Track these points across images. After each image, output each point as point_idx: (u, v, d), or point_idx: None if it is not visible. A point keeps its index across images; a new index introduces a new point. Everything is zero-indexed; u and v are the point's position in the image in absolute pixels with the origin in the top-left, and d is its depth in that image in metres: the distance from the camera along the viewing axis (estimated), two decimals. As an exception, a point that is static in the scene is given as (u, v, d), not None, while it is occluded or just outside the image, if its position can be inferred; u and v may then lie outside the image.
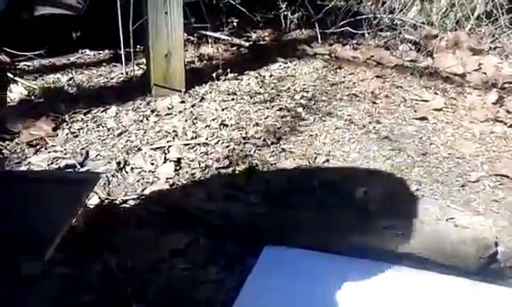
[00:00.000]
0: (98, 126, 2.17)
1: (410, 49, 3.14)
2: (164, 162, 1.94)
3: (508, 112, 2.44)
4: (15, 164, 1.88)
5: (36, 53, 2.65)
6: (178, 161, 1.95)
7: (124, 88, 2.52)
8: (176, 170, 1.90)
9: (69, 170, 1.87)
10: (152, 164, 1.93)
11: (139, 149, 2.02)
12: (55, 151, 1.98)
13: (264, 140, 2.12)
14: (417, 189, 1.86)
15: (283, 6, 3.32)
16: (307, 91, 2.59)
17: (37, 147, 1.99)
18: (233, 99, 2.45)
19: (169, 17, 2.33)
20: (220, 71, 2.65)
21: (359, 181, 1.82)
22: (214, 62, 2.82)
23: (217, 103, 2.40)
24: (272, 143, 2.11)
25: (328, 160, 2.02)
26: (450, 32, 3.24)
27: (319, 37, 3.25)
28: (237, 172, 1.90)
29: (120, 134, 2.12)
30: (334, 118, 2.34)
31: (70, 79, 2.57)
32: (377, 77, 2.77)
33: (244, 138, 2.13)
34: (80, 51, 2.90)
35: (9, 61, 2.54)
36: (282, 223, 1.59)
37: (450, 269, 1.44)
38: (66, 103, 2.29)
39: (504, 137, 2.25)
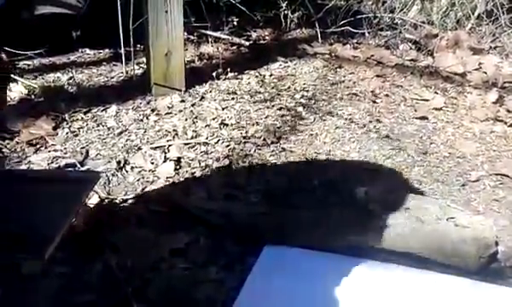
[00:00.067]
0: (98, 125, 2.17)
1: (411, 49, 3.14)
2: (164, 161, 1.94)
3: (508, 111, 2.44)
4: (15, 163, 1.88)
5: (36, 52, 2.65)
6: (178, 160, 1.95)
7: (124, 87, 2.52)
8: (176, 169, 1.90)
9: (69, 169, 1.87)
10: (152, 163, 1.93)
11: (139, 148, 2.02)
12: (55, 150, 1.98)
13: (265, 139, 2.12)
14: (417, 188, 1.86)
15: (283, 5, 3.31)
16: (307, 90, 2.59)
17: (38, 146, 1.99)
18: (233, 98, 2.45)
19: (169, 16, 2.33)
20: (220, 70, 2.65)
21: (359, 180, 1.82)
22: (214, 61, 2.82)
23: (217, 102, 2.40)
24: (272, 143, 2.11)
25: (328, 160, 2.02)
26: (451, 32, 3.23)
27: (319, 36, 3.25)
28: (237, 171, 1.90)
29: (120, 133, 2.12)
30: (335, 117, 2.34)
31: (70, 78, 2.56)
32: (377, 76, 2.76)
33: (244, 137, 2.13)
34: (80, 50, 2.89)
35: (9, 60, 2.54)
36: (282, 223, 1.59)
37: (451, 269, 1.44)
38: (66, 102, 2.29)
39: (504, 137, 2.25)
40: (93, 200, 1.67)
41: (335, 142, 2.15)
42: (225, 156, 1.99)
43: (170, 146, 2.04)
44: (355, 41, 3.25)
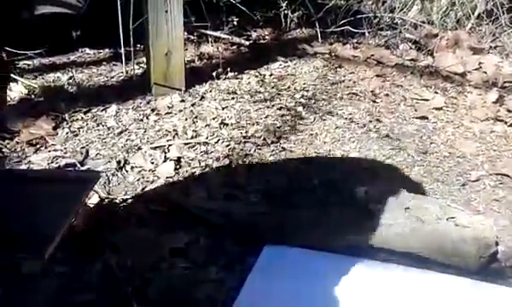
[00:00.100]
0: (98, 125, 2.17)
1: (411, 48, 3.14)
2: (164, 161, 1.94)
3: (508, 111, 2.44)
4: (15, 163, 1.88)
5: (36, 52, 2.65)
6: (178, 160, 1.95)
7: (124, 87, 2.52)
8: (176, 169, 1.90)
9: (69, 169, 1.87)
10: (152, 163, 1.93)
11: (139, 148, 2.02)
12: (55, 150, 1.98)
13: (265, 139, 2.12)
14: (417, 188, 1.86)
15: (283, 5, 3.31)
16: (307, 90, 2.59)
17: (38, 146, 1.99)
18: (233, 98, 2.45)
19: (169, 16, 2.33)
20: (220, 70, 2.65)
21: (359, 180, 1.82)
22: (214, 61, 2.82)
23: (217, 102, 2.40)
24: (272, 142, 2.11)
25: (328, 159, 2.02)
26: (451, 31, 3.23)
27: (319, 36, 3.25)
28: (237, 171, 1.90)
29: (120, 133, 2.12)
30: (335, 117, 2.34)
31: (70, 78, 2.56)
32: (377, 76, 2.76)
33: (244, 137, 2.13)
34: (80, 50, 2.89)
35: (9, 60, 2.54)
36: (282, 223, 1.59)
37: (451, 269, 1.44)
38: (66, 102, 2.29)
39: (505, 136, 2.25)
40: (93, 200, 1.67)
41: (335, 142, 2.15)
42: (225, 156, 1.99)
43: (170, 146, 2.04)
44: (355, 41, 3.24)
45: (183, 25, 2.39)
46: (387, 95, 2.58)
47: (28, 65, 2.67)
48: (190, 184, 1.82)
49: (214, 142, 2.08)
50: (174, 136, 2.11)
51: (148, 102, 2.37)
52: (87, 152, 1.98)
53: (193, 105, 2.36)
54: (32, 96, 2.36)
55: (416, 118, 2.37)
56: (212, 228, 1.59)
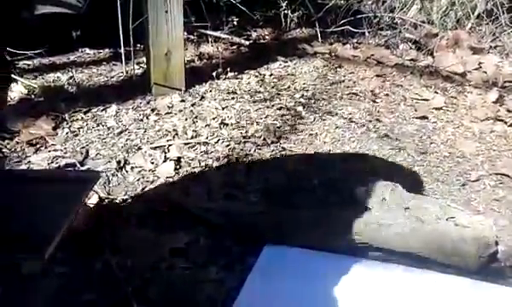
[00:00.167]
0: (98, 125, 2.17)
1: (411, 48, 3.14)
2: (164, 161, 1.94)
3: (508, 111, 2.44)
4: (15, 163, 1.88)
5: (36, 52, 2.65)
6: (178, 160, 1.95)
7: (124, 87, 2.52)
8: (176, 169, 1.90)
9: (69, 169, 1.87)
10: (152, 163, 1.93)
11: (139, 148, 2.02)
12: (54, 150, 1.98)
13: (265, 139, 2.12)
14: (417, 188, 1.86)
15: (283, 5, 3.32)
16: (307, 90, 2.59)
17: (37, 146, 1.99)
18: (233, 98, 2.45)
19: (169, 16, 2.33)
20: (220, 70, 2.65)
21: (359, 180, 1.82)
22: (214, 61, 2.82)
23: (217, 102, 2.40)
24: (272, 142, 2.11)
25: (328, 159, 2.02)
26: (451, 31, 3.23)
27: (319, 35, 3.25)
28: (237, 171, 1.90)
29: (120, 133, 2.12)
30: (335, 117, 2.34)
31: (70, 78, 2.57)
32: (377, 76, 2.76)
33: (244, 137, 2.13)
34: (80, 50, 2.89)
35: (10, 60, 2.54)
36: (282, 222, 1.59)
37: (451, 269, 1.44)
38: (66, 102, 2.29)
39: (505, 136, 2.25)
40: (93, 200, 1.67)
41: (335, 142, 2.15)
42: (225, 156, 1.99)
43: (170, 146, 2.04)
44: (355, 40, 3.25)
45: (182, 25, 2.39)
46: (387, 94, 2.58)
47: (28, 65, 2.67)
48: (190, 184, 1.82)
49: (214, 142, 2.08)
50: (174, 136, 2.11)
51: (148, 102, 2.37)
52: (87, 152, 1.98)
53: (193, 105, 2.36)
54: (32, 96, 2.36)
55: (416, 118, 2.37)
56: (212, 228, 1.59)
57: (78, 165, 1.89)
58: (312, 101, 2.48)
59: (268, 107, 2.38)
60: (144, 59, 2.62)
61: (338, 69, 2.86)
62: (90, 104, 2.30)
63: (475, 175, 1.96)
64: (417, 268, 1.46)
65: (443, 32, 3.21)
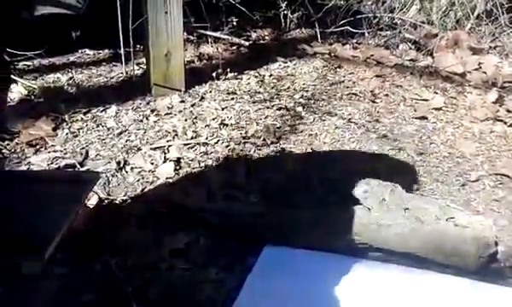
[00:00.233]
0: (98, 126, 2.17)
1: (410, 49, 3.14)
2: (164, 162, 1.94)
3: (508, 111, 2.45)
4: (15, 164, 1.88)
5: (36, 52, 2.65)
6: (178, 161, 1.95)
7: (123, 87, 2.52)
8: (176, 169, 1.90)
9: (69, 169, 1.87)
10: (152, 163, 1.93)
11: (139, 149, 2.02)
12: (54, 151, 1.98)
13: (264, 139, 2.12)
14: (417, 189, 1.86)
15: (283, 5, 3.32)
16: (307, 91, 2.59)
17: (37, 146, 1.99)
18: (233, 98, 2.45)
19: (169, 16, 2.33)
20: (220, 70, 2.65)
21: (359, 180, 1.82)
22: (214, 62, 2.82)
23: (216, 103, 2.40)
24: (272, 143, 2.11)
25: (327, 160, 2.02)
26: (450, 31, 3.24)
27: (319, 36, 3.25)
28: (237, 172, 1.90)
29: (120, 133, 2.12)
30: (334, 117, 2.34)
31: (70, 79, 2.57)
32: (377, 76, 2.77)
33: (244, 138, 2.13)
34: (80, 51, 2.90)
35: (9, 61, 2.54)
36: (281, 223, 1.59)
37: (450, 269, 1.44)
38: (65, 103, 2.29)
39: (504, 136, 2.25)
40: (93, 201, 1.67)
41: (335, 142, 2.15)
42: (225, 156, 1.99)
43: (170, 146, 2.04)
44: (355, 41, 3.25)
45: (182, 25, 2.39)
46: (387, 95, 2.58)
47: (28, 66, 2.67)
48: (190, 185, 1.82)
49: (214, 143, 2.08)
50: (174, 137, 2.11)
51: (147, 103, 2.37)
52: (87, 153, 1.98)
53: (193, 105, 2.36)
54: (32, 97, 2.36)
55: (416, 118, 2.37)
56: (212, 229, 1.59)
57: (78, 166, 1.89)
58: (312, 101, 2.48)
59: (268, 108, 2.38)
60: (144, 59, 2.62)
61: (337, 69, 2.86)
62: (89, 105, 2.30)
63: (475, 175, 1.96)
64: (417, 268, 1.46)
65: (442, 33, 3.21)
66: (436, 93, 2.62)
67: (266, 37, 3.33)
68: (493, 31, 3.23)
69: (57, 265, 1.37)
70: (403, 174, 1.94)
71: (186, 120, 2.23)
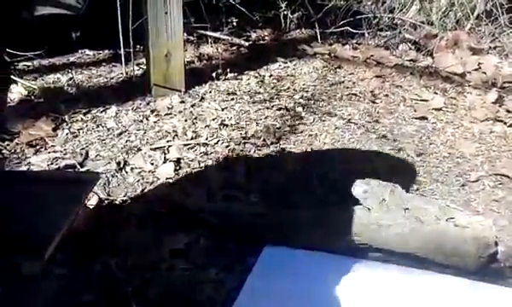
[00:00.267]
0: (98, 126, 2.17)
1: (410, 49, 3.15)
2: (164, 162, 1.94)
3: (507, 111, 2.45)
4: (15, 164, 1.88)
5: (36, 53, 2.65)
6: (178, 161, 1.95)
7: (123, 88, 2.52)
8: (176, 170, 1.90)
9: (69, 170, 1.87)
10: (152, 164, 1.93)
11: (139, 149, 2.02)
12: (54, 151, 1.98)
13: (264, 140, 2.12)
14: (417, 189, 1.86)
15: (283, 5, 3.32)
16: (307, 91, 2.59)
17: (37, 147, 1.99)
18: (233, 99, 2.45)
19: (169, 17, 2.33)
20: (220, 71, 2.65)
21: (359, 181, 1.81)
22: (214, 62, 2.82)
23: (216, 103, 2.40)
24: (272, 143, 2.11)
25: (327, 160, 2.02)
26: (450, 32, 3.24)
27: (319, 36, 3.25)
28: (237, 172, 1.90)
29: (120, 134, 2.12)
30: (334, 117, 2.34)
31: (70, 79, 2.57)
32: (377, 76, 2.77)
33: (244, 138, 2.13)
34: (80, 51, 2.90)
35: (9, 61, 2.54)
36: (281, 223, 1.59)
37: (450, 269, 1.44)
38: (65, 103, 2.29)
39: (504, 137, 2.25)
40: (93, 201, 1.67)
41: (335, 143, 2.15)
42: (225, 156, 1.99)
43: (169, 147, 2.04)
44: (354, 41, 3.25)
45: (182, 26, 2.39)
46: (387, 95, 2.58)
47: (28, 66, 2.67)
48: (190, 185, 1.82)
49: (214, 143, 2.08)
50: (174, 137, 2.11)
51: (147, 103, 2.37)
52: (87, 153, 1.98)
53: (193, 106, 2.36)
54: (32, 97, 2.36)
55: (416, 118, 2.37)
56: (212, 229, 1.59)
57: (78, 166, 1.89)
58: (312, 101, 2.48)
59: (268, 108, 2.39)
60: (144, 60, 2.62)
61: (337, 70, 2.86)
62: (89, 105, 2.30)
63: (475, 175, 1.96)
64: (417, 268, 1.46)
65: (442, 33, 3.21)
66: (436, 93, 2.62)
67: (266, 38, 3.33)
68: (493, 31, 3.23)
69: (57, 265, 1.37)
70: (403, 174, 1.94)
71: (186, 121, 2.23)
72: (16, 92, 2.35)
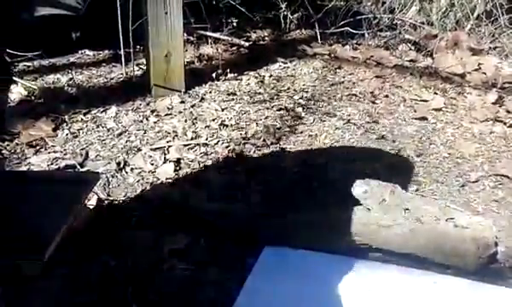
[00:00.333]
0: (98, 126, 2.17)
1: (410, 49, 3.15)
2: (164, 162, 1.94)
3: (507, 111, 2.45)
4: (15, 164, 1.88)
5: (36, 53, 2.65)
6: (178, 161, 1.95)
7: (123, 88, 2.52)
8: (175, 170, 1.90)
9: (69, 170, 1.87)
10: (152, 164, 1.93)
11: (139, 149, 2.02)
12: (54, 151, 1.98)
13: (264, 140, 2.12)
14: (417, 189, 1.86)
15: (283, 6, 3.32)
16: (307, 91, 2.59)
17: (37, 147, 1.99)
18: (233, 99, 2.45)
19: (169, 17, 2.33)
20: (220, 71, 2.65)
21: (359, 181, 1.81)
22: (214, 62, 2.82)
23: (216, 103, 2.40)
24: (272, 143, 2.11)
25: (327, 160, 2.02)
26: (450, 32, 3.24)
27: (319, 37, 3.25)
28: (237, 172, 1.90)
29: (120, 134, 2.12)
30: (334, 118, 2.34)
31: (70, 80, 2.57)
32: (377, 77, 2.77)
33: (244, 138, 2.13)
34: (80, 51, 2.90)
35: (10, 62, 2.54)
36: (281, 223, 1.59)
37: (450, 269, 1.44)
38: (65, 104, 2.30)
39: (504, 137, 2.25)
40: (93, 201, 1.67)
41: (335, 143, 2.15)
42: (225, 157, 1.99)
43: (169, 147, 2.04)
44: (354, 42, 3.25)
45: (182, 26, 2.39)
46: (387, 96, 2.58)
47: (28, 66, 2.67)
48: (190, 185, 1.82)
49: (214, 143, 2.08)
50: (174, 138, 2.11)
51: (147, 104, 2.37)
52: (87, 153, 1.98)
53: (192, 106, 2.36)
54: (32, 98, 2.36)
55: (416, 119, 2.37)
56: (212, 230, 1.59)
57: (78, 167, 1.89)
58: (312, 102, 2.48)
59: (268, 108, 2.39)
60: (144, 60, 2.62)
61: (337, 70, 2.86)
62: (89, 105, 2.30)
63: (475, 176, 1.96)
64: (417, 268, 1.46)
65: (442, 33, 3.21)
66: (436, 94, 2.62)
67: (266, 38, 3.33)
68: (493, 31, 3.23)
69: (57, 265, 1.37)
70: (403, 174, 1.94)
71: (186, 121, 2.23)
72: (16, 92, 2.35)
